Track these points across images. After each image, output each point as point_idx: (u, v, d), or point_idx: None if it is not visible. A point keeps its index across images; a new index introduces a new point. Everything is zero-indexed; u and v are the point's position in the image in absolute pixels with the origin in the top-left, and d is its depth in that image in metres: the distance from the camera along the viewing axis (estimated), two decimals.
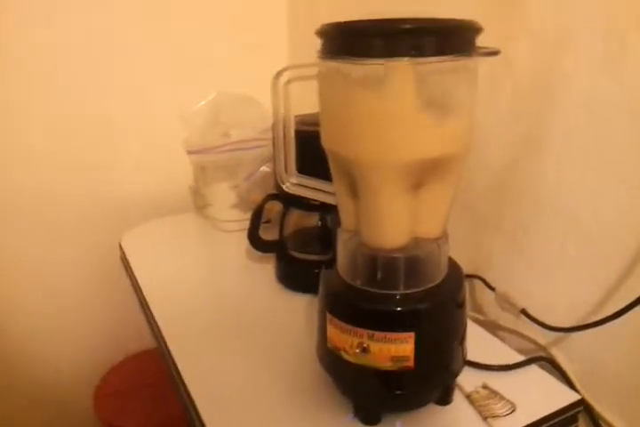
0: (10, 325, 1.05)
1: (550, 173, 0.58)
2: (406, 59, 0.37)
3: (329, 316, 0.49)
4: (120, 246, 0.92)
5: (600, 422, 0.56)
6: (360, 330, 0.46)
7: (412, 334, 0.45)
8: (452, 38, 0.39)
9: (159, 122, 1.02)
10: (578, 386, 0.57)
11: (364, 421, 0.51)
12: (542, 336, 0.62)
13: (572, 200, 0.56)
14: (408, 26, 0.37)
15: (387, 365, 0.46)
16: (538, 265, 0.62)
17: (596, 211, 0.54)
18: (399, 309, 0.46)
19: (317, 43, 0.42)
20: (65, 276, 1.07)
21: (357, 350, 0.47)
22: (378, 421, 0.51)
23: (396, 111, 0.39)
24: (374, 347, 0.46)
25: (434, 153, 0.42)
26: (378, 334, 0.46)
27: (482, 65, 0.41)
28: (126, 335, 1.15)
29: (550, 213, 0.59)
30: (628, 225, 0.51)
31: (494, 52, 0.38)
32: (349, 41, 0.39)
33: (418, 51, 0.37)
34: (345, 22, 0.39)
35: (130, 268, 0.85)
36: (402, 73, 0.38)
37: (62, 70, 0.94)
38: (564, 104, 0.55)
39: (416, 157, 0.42)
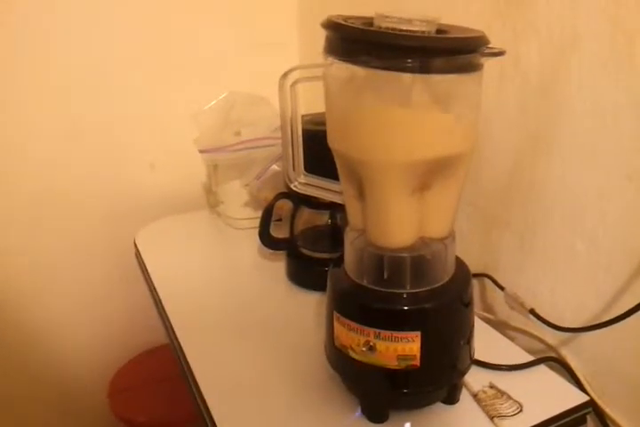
0: (26, 320, 1.07)
1: (557, 171, 0.58)
2: (411, 75, 0.38)
3: (336, 314, 0.49)
4: (134, 243, 0.93)
5: (609, 423, 0.56)
6: (367, 329, 0.46)
7: (419, 333, 0.46)
8: (458, 57, 0.39)
9: (171, 121, 1.03)
10: (587, 387, 0.56)
11: (370, 418, 0.51)
12: (552, 336, 0.62)
13: (578, 199, 0.56)
14: (417, 43, 0.38)
15: (393, 363, 0.47)
16: (546, 264, 0.61)
17: (604, 209, 0.53)
18: (406, 308, 0.46)
19: None
20: (80, 273, 1.09)
21: (364, 349, 0.47)
22: (385, 418, 0.51)
23: (401, 113, 0.40)
24: (381, 345, 0.46)
25: (440, 153, 0.42)
26: (384, 332, 0.46)
27: (490, 62, 0.41)
28: (140, 331, 1.16)
29: (558, 211, 0.58)
30: (636, 223, 0.50)
31: (500, 53, 0.38)
32: (353, 47, 0.39)
33: (424, 67, 0.38)
34: (350, 27, 0.39)
35: (144, 264, 0.86)
36: (406, 81, 0.38)
37: (74, 71, 0.95)
38: (570, 103, 0.54)
39: (422, 157, 0.42)
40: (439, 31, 0.40)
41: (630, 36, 0.47)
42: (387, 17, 0.39)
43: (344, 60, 0.40)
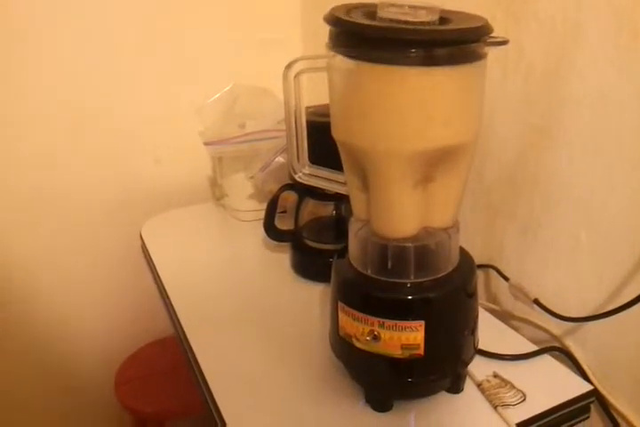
0: (31, 313, 1.08)
1: (562, 161, 0.58)
2: (415, 68, 0.38)
3: (341, 304, 0.49)
4: (140, 235, 0.94)
5: (612, 412, 0.56)
6: (371, 318, 0.47)
7: (423, 323, 0.46)
8: (461, 47, 0.39)
9: (176, 114, 1.03)
10: (591, 376, 0.57)
11: (375, 408, 0.52)
12: (556, 326, 0.62)
13: (583, 189, 0.56)
14: (420, 37, 0.38)
15: (397, 352, 0.47)
16: (551, 255, 0.61)
17: (608, 200, 0.53)
18: (409, 297, 0.47)
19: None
20: (87, 266, 1.10)
21: (368, 338, 0.47)
22: (389, 408, 0.52)
23: (404, 103, 0.40)
24: (385, 335, 0.47)
25: (443, 143, 0.42)
26: (388, 322, 0.46)
27: (494, 52, 0.41)
28: (146, 323, 1.17)
29: (562, 202, 0.58)
30: None
31: (503, 42, 0.38)
32: (356, 41, 0.39)
33: (427, 60, 0.38)
34: (353, 22, 0.39)
35: (149, 256, 0.86)
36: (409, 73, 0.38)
37: (77, 65, 0.96)
38: (574, 93, 0.54)
39: (426, 146, 0.42)
40: (442, 19, 0.40)
41: (634, 26, 0.47)
42: (390, 5, 0.39)
43: (347, 54, 0.40)
